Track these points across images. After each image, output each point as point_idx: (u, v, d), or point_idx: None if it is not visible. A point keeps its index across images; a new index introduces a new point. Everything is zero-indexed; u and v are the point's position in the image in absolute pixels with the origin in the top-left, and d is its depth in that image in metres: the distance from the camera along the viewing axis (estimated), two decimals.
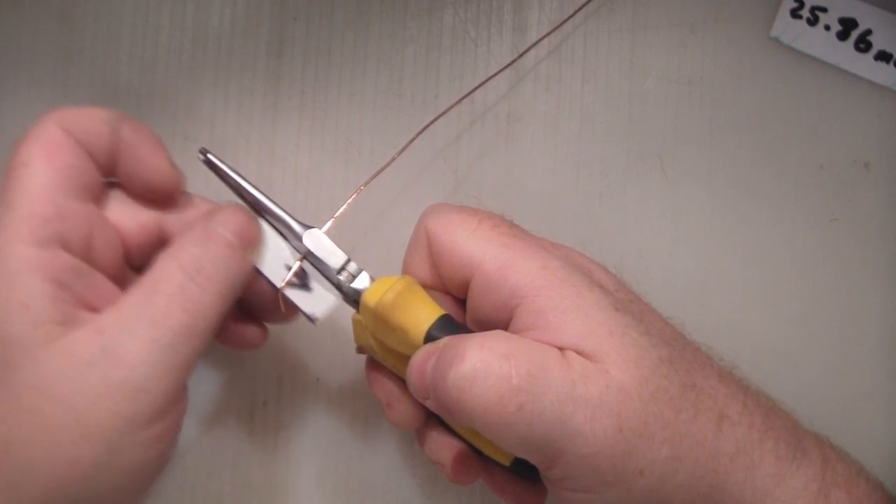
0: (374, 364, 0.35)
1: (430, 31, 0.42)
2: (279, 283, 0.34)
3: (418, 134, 0.39)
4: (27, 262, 0.28)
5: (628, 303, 0.33)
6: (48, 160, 0.30)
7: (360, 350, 0.36)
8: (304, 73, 0.42)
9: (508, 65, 0.41)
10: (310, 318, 0.34)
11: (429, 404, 0.32)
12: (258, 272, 0.34)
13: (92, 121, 0.31)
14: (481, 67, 0.42)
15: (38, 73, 0.42)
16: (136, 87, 0.42)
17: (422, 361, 0.31)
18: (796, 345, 0.41)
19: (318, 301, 0.34)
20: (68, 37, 0.42)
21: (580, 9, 0.42)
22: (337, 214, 0.36)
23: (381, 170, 0.38)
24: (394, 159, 0.38)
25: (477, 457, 0.34)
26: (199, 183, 0.41)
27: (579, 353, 0.30)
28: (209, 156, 0.34)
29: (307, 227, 0.34)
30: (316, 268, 0.34)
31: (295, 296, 0.34)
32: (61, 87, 0.42)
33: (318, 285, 0.35)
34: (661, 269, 0.41)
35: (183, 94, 0.42)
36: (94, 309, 0.30)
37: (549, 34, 0.42)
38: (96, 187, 0.32)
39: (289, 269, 0.34)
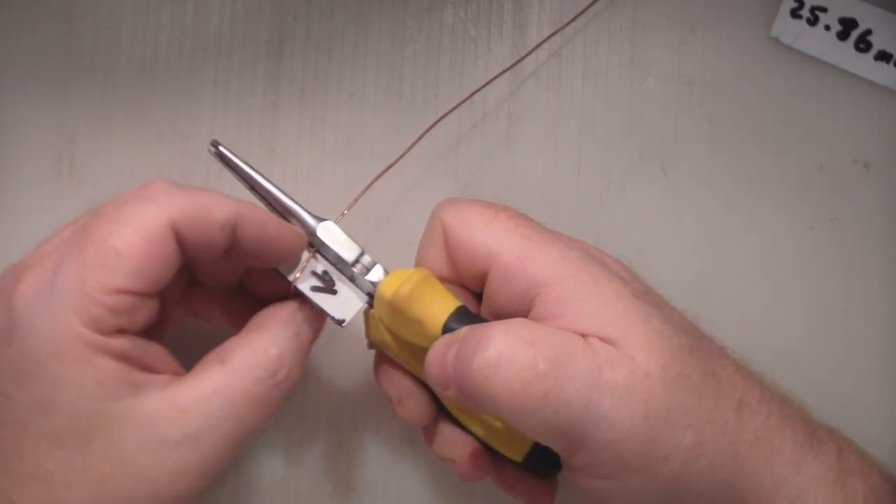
0: (384, 360, 0.35)
1: (430, 30, 0.42)
2: (306, 291, 0.34)
3: (431, 127, 0.39)
4: (94, 343, 0.29)
5: (645, 293, 0.33)
6: (141, 257, 0.29)
7: (372, 346, 0.35)
8: (304, 73, 0.42)
9: (517, 62, 0.41)
10: (337, 322, 0.34)
11: (449, 394, 0.31)
12: (277, 273, 0.34)
13: (207, 227, 0.30)
14: (481, 67, 0.42)
15: (37, 73, 0.42)
16: (136, 87, 0.42)
17: (441, 352, 0.31)
18: (796, 345, 0.41)
19: (344, 304, 0.34)
20: (68, 37, 0.42)
21: (588, 7, 0.42)
22: (350, 205, 0.36)
23: (395, 162, 0.38)
24: (406, 153, 0.38)
25: (487, 452, 0.34)
26: (199, 181, 0.41)
27: (602, 339, 0.30)
28: (221, 148, 0.34)
29: (321, 219, 0.34)
30: (328, 260, 0.34)
31: (321, 300, 0.34)
32: (61, 87, 0.42)
33: (344, 287, 0.34)
34: (661, 269, 0.41)
35: (183, 94, 0.42)
36: (154, 371, 0.30)
37: (557, 32, 0.41)
38: (175, 274, 0.31)
39: (313, 273, 0.34)
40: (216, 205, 0.30)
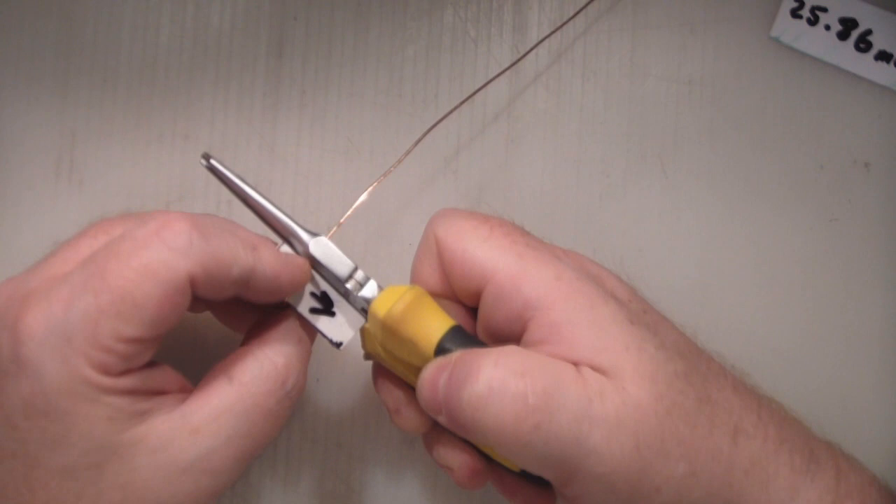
0: (381, 370, 0.35)
1: (430, 30, 0.42)
2: (305, 313, 0.34)
3: (425, 134, 0.38)
4: (103, 385, 0.29)
5: (642, 314, 0.32)
6: (158, 309, 0.29)
7: (368, 357, 0.35)
8: (304, 73, 0.42)
9: (515, 62, 0.41)
10: (334, 344, 0.34)
11: (441, 420, 0.31)
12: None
13: (222, 281, 0.30)
14: (481, 67, 0.42)
15: (37, 73, 0.42)
16: (136, 87, 0.42)
17: (433, 376, 0.31)
18: (796, 345, 0.41)
19: (342, 325, 0.34)
20: (68, 37, 0.42)
21: (587, 4, 0.42)
22: (342, 221, 0.36)
23: (386, 174, 0.37)
24: (400, 161, 0.38)
25: (486, 461, 0.34)
26: (199, 180, 0.41)
27: (594, 368, 0.29)
28: (212, 161, 0.33)
29: (314, 234, 0.34)
30: (322, 276, 0.34)
31: (319, 322, 0.34)
32: (61, 87, 0.42)
33: (342, 308, 0.34)
34: (661, 269, 0.41)
35: (183, 94, 0.42)
36: (162, 393, 0.30)
37: (558, 29, 0.41)
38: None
39: (314, 296, 0.34)
40: (234, 259, 0.30)
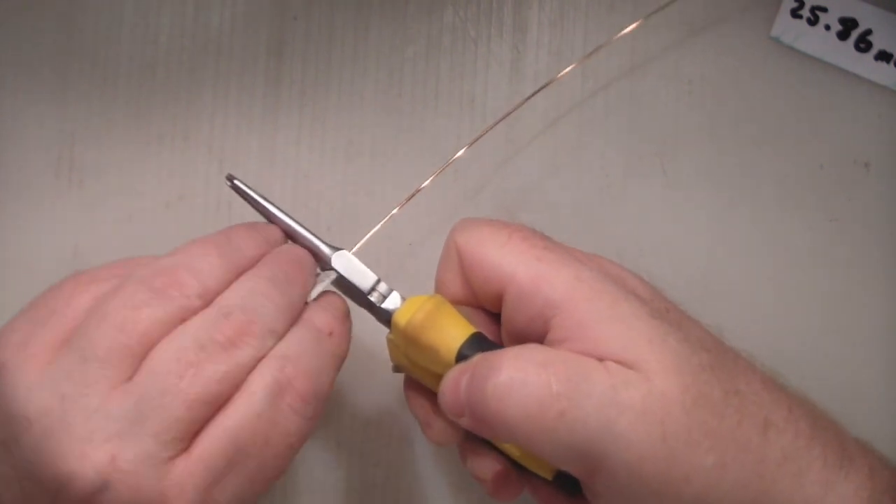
0: (411, 383, 0.35)
1: (430, 30, 0.42)
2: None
3: (454, 159, 0.39)
4: None
5: (665, 311, 0.32)
6: None
7: (397, 369, 0.36)
8: (304, 73, 0.42)
9: (548, 83, 0.41)
10: None
11: (464, 422, 0.31)
12: None
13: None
14: (481, 67, 0.42)
15: (37, 73, 0.42)
16: (136, 87, 0.42)
17: (455, 379, 0.31)
18: (795, 344, 0.41)
19: None
20: (68, 37, 0.42)
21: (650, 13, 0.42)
22: (367, 237, 0.36)
23: (414, 193, 0.38)
24: (430, 180, 0.38)
25: (518, 472, 0.34)
26: (199, 181, 0.41)
27: (619, 362, 0.29)
28: (236, 181, 0.35)
29: (336, 248, 0.34)
30: (346, 290, 0.34)
31: None
32: (61, 87, 0.42)
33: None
34: (661, 269, 0.41)
35: (183, 94, 0.42)
36: None
37: (595, 50, 0.42)
38: None
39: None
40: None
